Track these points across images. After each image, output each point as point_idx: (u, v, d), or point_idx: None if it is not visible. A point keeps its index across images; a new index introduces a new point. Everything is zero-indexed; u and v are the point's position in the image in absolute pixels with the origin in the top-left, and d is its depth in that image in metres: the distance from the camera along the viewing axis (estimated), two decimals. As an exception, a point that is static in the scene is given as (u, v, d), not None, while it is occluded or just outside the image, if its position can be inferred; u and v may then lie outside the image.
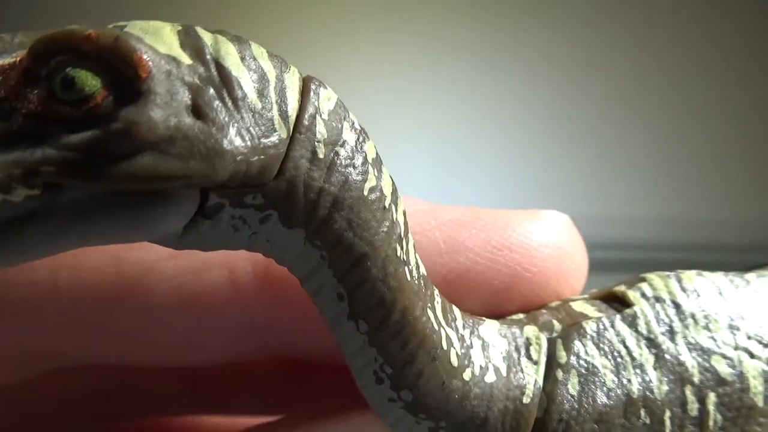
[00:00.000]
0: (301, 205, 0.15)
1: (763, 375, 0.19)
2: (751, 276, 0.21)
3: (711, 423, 0.19)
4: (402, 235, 0.17)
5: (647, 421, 0.18)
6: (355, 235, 0.16)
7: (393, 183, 0.17)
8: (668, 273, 0.21)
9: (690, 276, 0.21)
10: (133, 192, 0.13)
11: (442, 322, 0.18)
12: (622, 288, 0.21)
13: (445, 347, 0.18)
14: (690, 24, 1.14)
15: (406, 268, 0.17)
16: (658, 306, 0.20)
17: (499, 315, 0.21)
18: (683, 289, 0.20)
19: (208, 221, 0.15)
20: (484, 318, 0.20)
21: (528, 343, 0.19)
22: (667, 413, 0.19)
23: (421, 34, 1.12)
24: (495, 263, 0.21)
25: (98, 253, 0.22)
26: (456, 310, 0.19)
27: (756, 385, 0.19)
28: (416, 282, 0.17)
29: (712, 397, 0.19)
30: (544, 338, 0.19)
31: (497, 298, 0.21)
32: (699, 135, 1.13)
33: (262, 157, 0.14)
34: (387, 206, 0.17)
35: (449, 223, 0.21)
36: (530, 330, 0.20)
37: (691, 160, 1.12)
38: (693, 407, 0.19)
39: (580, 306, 0.20)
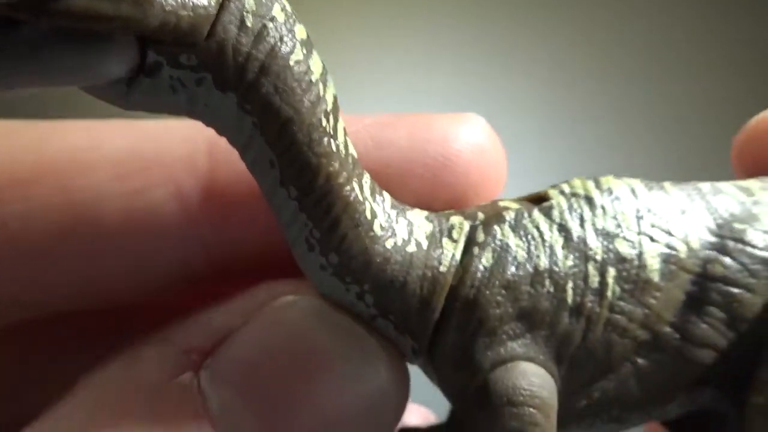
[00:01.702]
0: (231, 67, 0.18)
1: (661, 256, 0.21)
2: (667, 184, 0.23)
3: (609, 293, 0.21)
4: (329, 111, 0.19)
5: (551, 289, 0.20)
6: (281, 100, 0.18)
7: (324, 67, 0.19)
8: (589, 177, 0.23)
9: (607, 178, 0.23)
10: (78, 33, 0.16)
11: (368, 197, 0.20)
12: (546, 189, 0.23)
13: (369, 217, 0.20)
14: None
15: (331, 140, 0.19)
16: (573, 200, 0.22)
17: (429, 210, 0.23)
18: (598, 187, 0.22)
19: (148, 79, 0.17)
20: (414, 207, 0.22)
21: (451, 228, 0.21)
22: (570, 284, 0.21)
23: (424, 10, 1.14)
24: (418, 154, 0.23)
25: (45, 184, 0.23)
26: (386, 194, 0.21)
27: (653, 264, 0.21)
28: (342, 155, 0.20)
29: (611, 272, 0.21)
30: (467, 224, 0.22)
31: (424, 191, 0.23)
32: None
33: (191, 14, 0.17)
34: (313, 81, 0.19)
35: (374, 123, 0.23)
36: (456, 218, 0.22)
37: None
38: (594, 280, 0.21)
39: (506, 203, 0.22)
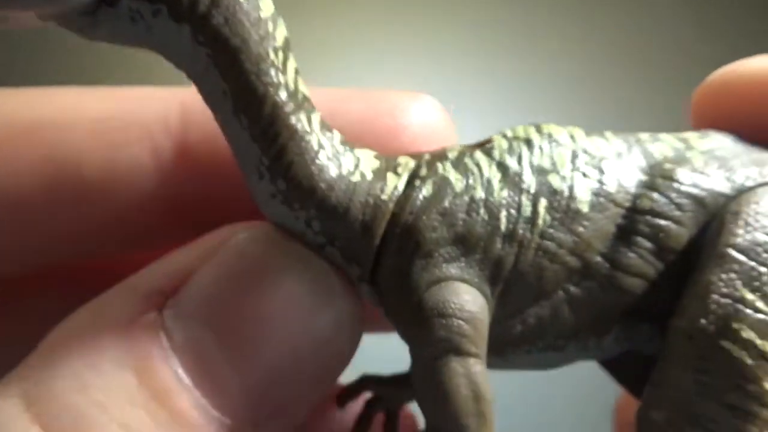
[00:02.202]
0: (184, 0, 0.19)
1: (591, 189, 0.22)
2: (609, 132, 0.24)
3: (540, 221, 0.22)
4: (278, 48, 0.21)
5: (485, 217, 0.22)
6: (230, 31, 0.20)
7: (275, 9, 0.21)
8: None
9: (549, 125, 0.24)
10: None
11: (316, 130, 0.22)
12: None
13: (315, 147, 0.21)
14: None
15: (279, 73, 0.21)
16: (513, 142, 0.23)
17: None
18: (539, 132, 0.24)
19: (111, 9, 0.19)
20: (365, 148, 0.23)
21: (397, 165, 0.23)
22: (504, 213, 0.22)
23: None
24: (369, 127, 0.25)
25: (30, 141, 0.25)
26: (337, 133, 0.23)
27: (583, 196, 0.22)
28: (290, 89, 0.21)
29: (543, 203, 0.22)
30: (413, 162, 0.23)
31: None
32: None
33: None
34: (262, 17, 0.20)
35: (330, 98, 0.25)
36: (403, 158, 0.23)
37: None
38: (527, 209, 0.22)
39: (454, 147, 0.24)
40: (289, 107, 0.21)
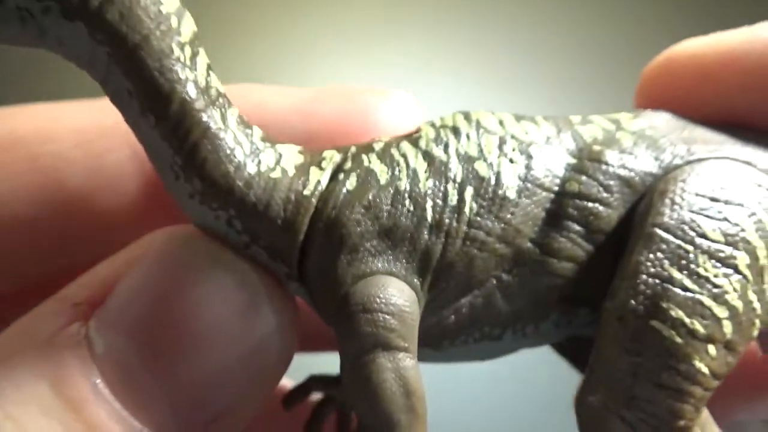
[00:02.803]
0: None
1: (518, 175, 0.22)
2: (540, 117, 0.24)
3: (467, 210, 0.22)
4: (184, 43, 0.20)
5: (411, 208, 0.21)
6: (128, 27, 0.19)
7: (180, 3, 0.21)
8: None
9: (478, 112, 0.24)
10: None
11: (232, 127, 0.21)
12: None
13: (231, 144, 0.21)
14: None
15: (186, 69, 0.20)
16: (441, 130, 0.23)
17: None
18: (467, 119, 0.23)
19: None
20: (291, 144, 0.23)
21: (322, 159, 0.22)
22: (429, 203, 0.22)
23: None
24: (340, 126, 0.25)
25: (13, 153, 0.25)
26: (258, 129, 0.22)
27: (510, 182, 0.22)
28: (201, 85, 0.20)
29: (470, 191, 0.22)
30: (338, 156, 0.23)
31: None
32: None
33: None
34: (164, 12, 0.20)
35: (302, 97, 0.25)
36: (328, 152, 0.23)
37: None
38: (453, 198, 0.22)
39: (382, 138, 0.23)
40: (200, 104, 0.20)
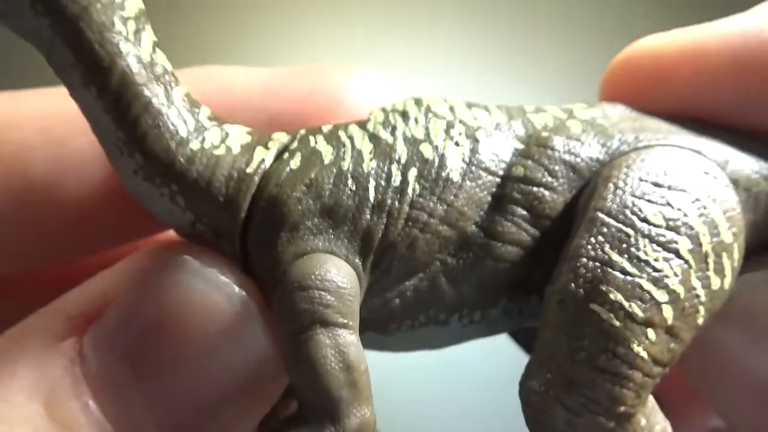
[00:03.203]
0: None
1: (463, 158, 0.22)
2: (492, 105, 0.24)
3: (410, 191, 0.22)
4: (129, 18, 0.20)
5: (353, 188, 0.21)
6: None
7: None
8: None
9: (430, 98, 0.24)
10: None
11: (177, 104, 0.21)
12: None
13: (174, 120, 0.21)
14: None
15: (129, 43, 0.20)
16: (390, 114, 0.23)
17: None
18: (417, 104, 0.23)
19: None
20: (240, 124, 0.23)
21: (269, 139, 0.22)
22: (372, 183, 0.22)
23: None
24: (307, 103, 0.25)
25: None
26: (206, 108, 0.22)
27: (454, 164, 0.22)
28: (144, 61, 0.21)
29: (413, 172, 0.22)
30: (286, 137, 0.23)
31: None
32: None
33: None
34: None
35: (269, 76, 0.25)
36: (277, 134, 0.23)
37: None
38: (396, 179, 0.22)
39: (332, 123, 0.23)
40: (141, 78, 0.20)
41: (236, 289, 0.21)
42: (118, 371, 0.20)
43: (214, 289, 0.21)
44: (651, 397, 0.21)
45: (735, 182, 0.22)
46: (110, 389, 0.20)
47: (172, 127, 0.21)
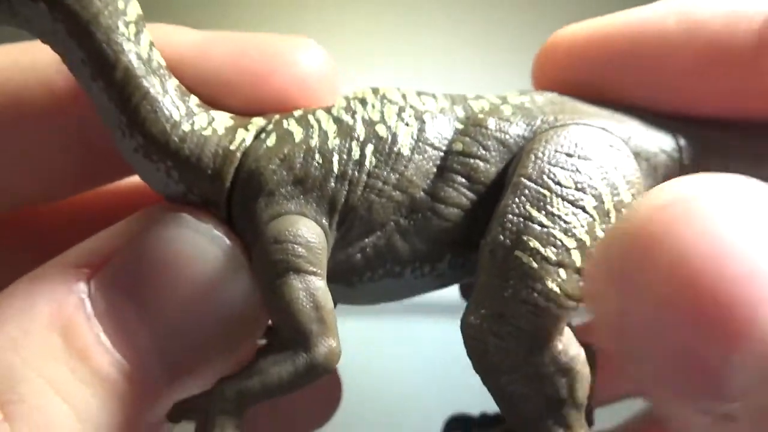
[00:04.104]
0: None
1: (412, 136, 0.27)
2: (440, 93, 0.29)
3: (367, 163, 0.26)
4: (131, 22, 0.25)
5: (320, 161, 0.26)
6: (81, 7, 0.24)
7: None
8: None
9: (386, 87, 0.28)
10: None
11: (170, 93, 0.25)
12: None
13: (169, 107, 0.25)
14: None
15: (131, 43, 0.24)
16: (351, 101, 0.27)
17: None
18: (374, 93, 0.28)
19: None
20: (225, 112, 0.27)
21: (249, 123, 0.27)
22: (336, 157, 0.26)
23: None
24: (238, 69, 0.27)
25: None
26: (195, 97, 0.26)
27: (404, 141, 0.27)
28: (143, 57, 0.25)
29: (370, 147, 0.26)
30: (263, 121, 0.27)
31: (244, 101, 0.27)
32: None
33: None
34: None
35: (203, 39, 0.27)
36: (256, 118, 0.27)
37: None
38: (356, 154, 0.26)
39: (302, 108, 0.28)
40: (141, 71, 0.25)
41: (227, 240, 0.25)
42: (124, 309, 0.24)
43: (209, 240, 0.25)
44: (567, 328, 0.25)
45: (637, 154, 0.27)
46: (116, 323, 0.24)
47: (167, 113, 0.25)
